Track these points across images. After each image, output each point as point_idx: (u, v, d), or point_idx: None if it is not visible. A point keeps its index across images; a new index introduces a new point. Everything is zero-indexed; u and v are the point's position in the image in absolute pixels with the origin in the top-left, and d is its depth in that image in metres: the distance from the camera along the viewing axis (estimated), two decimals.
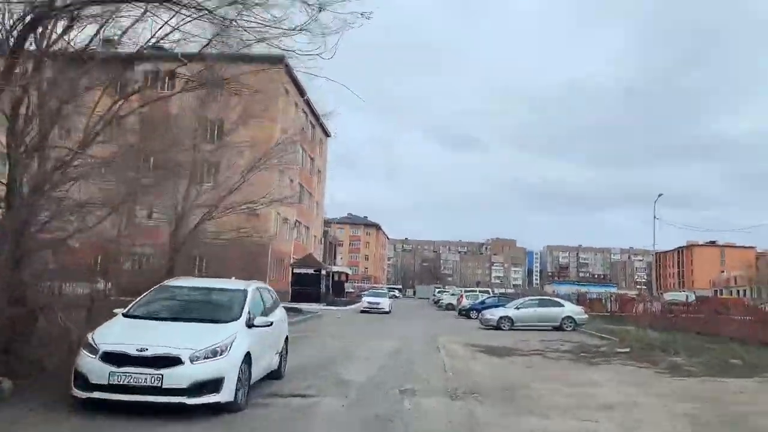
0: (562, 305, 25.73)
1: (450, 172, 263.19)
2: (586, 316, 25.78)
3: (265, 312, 8.37)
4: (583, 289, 61.18)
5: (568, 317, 24.77)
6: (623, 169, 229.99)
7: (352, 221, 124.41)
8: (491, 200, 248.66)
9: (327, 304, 38.85)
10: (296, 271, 40.37)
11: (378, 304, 35.62)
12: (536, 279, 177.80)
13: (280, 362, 9.06)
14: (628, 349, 16.20)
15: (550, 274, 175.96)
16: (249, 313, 7.53)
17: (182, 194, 13.74)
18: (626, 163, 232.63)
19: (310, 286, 39.14)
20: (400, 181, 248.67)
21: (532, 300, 26.87)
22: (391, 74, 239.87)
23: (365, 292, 45.77)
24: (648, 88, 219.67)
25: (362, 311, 34.69)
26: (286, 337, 9.70)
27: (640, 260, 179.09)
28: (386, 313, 34.40)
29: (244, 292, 7.97)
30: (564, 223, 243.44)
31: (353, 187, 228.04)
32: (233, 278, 9.17)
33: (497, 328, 24.18)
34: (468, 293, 42.14)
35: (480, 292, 45.82)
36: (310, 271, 40.27)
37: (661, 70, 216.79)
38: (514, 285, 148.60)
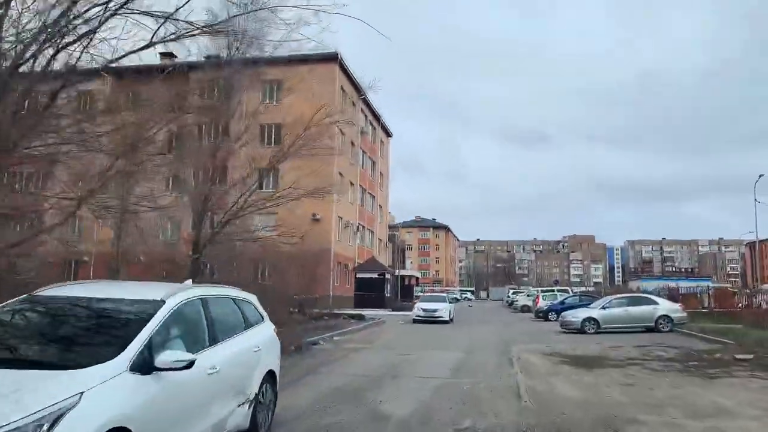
0: (656, 303, 22.35)
1: (521, 170, 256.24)
2: (685, 314, 22.29)
3: (213, 337, 5.01)
4: (673, 284, 56.05)
5: (664, 316, 21.44)
6: (707, 157, 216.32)
7: (421, 224, 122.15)
8: (566, 197, 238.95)
9: (393, 310, 36.76)
10: (359, 275, 38.51)
11: (434, 311, 27.71)
12: (618, 275, 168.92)
13: (254, 414, 5.57)
14: (750, 356, 13.06)
15: (632, 269, 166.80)
16: (147, 346, 4.06)
17: (201, 192, 11.93)
18: (710, 151, 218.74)
19: (374, 291, 37.17)
20: (469, 181, 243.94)
21: (620, 298, 23.58)
22: (456, 74, 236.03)
23: (422, 297, 35.75)
24: (730, 71, 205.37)
25: (414, 321, 27.38)
26: (271, 373, 6.14)
27: (732, 251, 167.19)
28: (446, 322, 27.25)
29: (153, 306, 4.46)
30: (645, 217, 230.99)
31: (420, 190, 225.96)
32: (182, 282, 5.56)
33: (581, 331, 21.22)
34: (545, 293, 38.84)
35: (558, 291, 42.31)
36: (374, 275, 38.27)
37: (744, 51, 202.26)
38: (594, 283, 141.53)
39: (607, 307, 22.09)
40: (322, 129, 13.55)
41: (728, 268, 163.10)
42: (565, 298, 32.83)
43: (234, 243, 13.30)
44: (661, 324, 21.18)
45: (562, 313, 23.97)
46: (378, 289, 37.71)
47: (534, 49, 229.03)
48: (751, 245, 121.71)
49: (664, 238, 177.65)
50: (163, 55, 16.43)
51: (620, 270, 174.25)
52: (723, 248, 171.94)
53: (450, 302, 30.06)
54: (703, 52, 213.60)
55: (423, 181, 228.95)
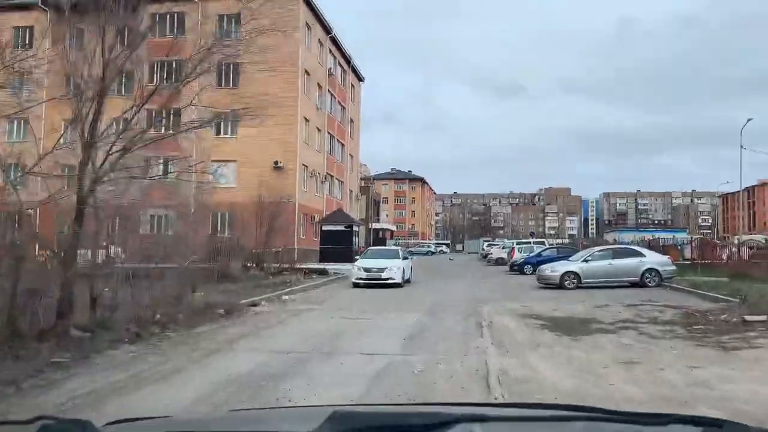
0: (643, 255, 20.31)
1: (497, 122, 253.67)
2: (674, 267, 20.38)
3: None
4: (649, 236, 54.83)
5: (651, 270, 19.44)
6: (683, 108, 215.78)
7: (396, 176, 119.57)
8: (542, 149, 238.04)
9: None
10: (325, 228, 35.97)
11: (380, 271, 20.26)
12: (592, 228, 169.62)
13: None
14: (763, 317, 10.99)
15: (607, 222, 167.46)
16: None
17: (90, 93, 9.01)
18: (686, 101, 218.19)
19: (340, 245, 34.70)
20: (445, 133, 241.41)
21: (603, 250, 21.51)
22: (429, 21, 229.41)
23: (366, 251, 27.25)
24: (710, 19, 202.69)
25: (354, 285, 20.23)
26: None
27: (704, 203, 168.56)
28: (397, 286, 19.99)
29: None
30: (621, 169, 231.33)
31: (395, 142, 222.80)
32: None
33: (560, 287, 19.19)
34: (521, 245, 36.89)
35: (535, 243, 40.44)
36: (341, 227, 35.74)
37: None
38: (569, 235, 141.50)
39: (589, 260, 20.03)
40: (246, 42, 10.61)
41: (700, 220, 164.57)
42: (542, 251, 30.84)
43: (131, 182, 10.46)
44: (647, 278, 19.23)
45: (539, 267, 21.89)
46: (345, 243, 35.23)
47: None
48: (723, 197, 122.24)
49: (638, 191, 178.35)
50: None
51: (595, 222, 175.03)
52: (696, 200, 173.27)
53: (404, 258, 22.71)
54: None
55: (399, 133, 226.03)
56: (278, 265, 26.90)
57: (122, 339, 8.77)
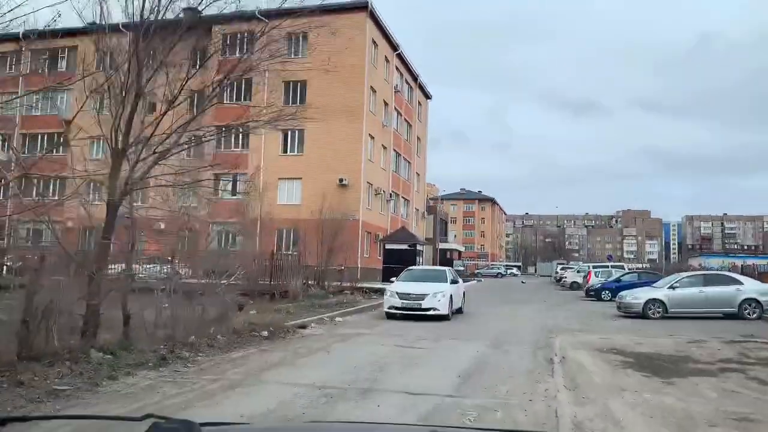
0: (740, 282, 17.98)
1: (571, 141, 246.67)
2: None
3: None
4: (739, 261, 50.25)
5: (751, 300, 17.15)
6: None
7: (465, 197, 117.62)
8: (619, 169, 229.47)
9: None
10: (388, 246, 34.92)
11: (420, 298, 15.52)
12: (674, 252, 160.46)
13: None
14: None
15: (690, 246, 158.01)
16: None
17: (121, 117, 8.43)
18: None
19: (404, 264, 33.53)
20: (517, 152, 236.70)
21: (693, 276, 19.26)
22: (503, 42, 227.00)
23: (405, 272, 19.29)
24: None
25: (387, 315, 15.89)
26: None
27: None
28: (443, 318, 15.41)
29: None
30: (704, 192, 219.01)
31: (465, 162, 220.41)
32: None
33: (643, 316, 17.25)
34: (598, 269, 34.41)
35: (613, 267, 37.72)
36: (404, 246, 34.58)
37: None
38: (648, 260, 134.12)
39: (677, 287, 17.89)
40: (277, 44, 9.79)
41: None
42: (622, 275, 28.47)
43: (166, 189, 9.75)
44: (746, 309, 16.99)
45: (620, 293, 19.85)
46: (408, 262, 33.97)
47: (584, 6, 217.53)
48: None
49: (725, 214, 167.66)
50: (186, 9, 13.86)
51: (676, 247, 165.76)
52: None
53: (453, 282, 17.30)
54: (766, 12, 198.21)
55: (469, 153, 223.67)
56: (339, 283, 26.17)
57: (146, 363, 7.95)
